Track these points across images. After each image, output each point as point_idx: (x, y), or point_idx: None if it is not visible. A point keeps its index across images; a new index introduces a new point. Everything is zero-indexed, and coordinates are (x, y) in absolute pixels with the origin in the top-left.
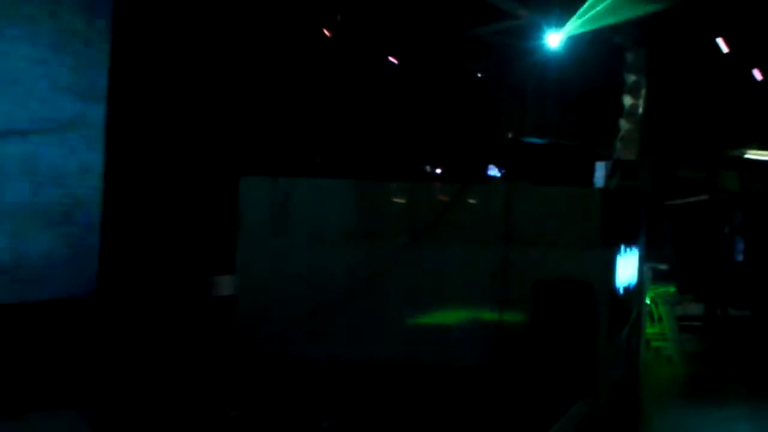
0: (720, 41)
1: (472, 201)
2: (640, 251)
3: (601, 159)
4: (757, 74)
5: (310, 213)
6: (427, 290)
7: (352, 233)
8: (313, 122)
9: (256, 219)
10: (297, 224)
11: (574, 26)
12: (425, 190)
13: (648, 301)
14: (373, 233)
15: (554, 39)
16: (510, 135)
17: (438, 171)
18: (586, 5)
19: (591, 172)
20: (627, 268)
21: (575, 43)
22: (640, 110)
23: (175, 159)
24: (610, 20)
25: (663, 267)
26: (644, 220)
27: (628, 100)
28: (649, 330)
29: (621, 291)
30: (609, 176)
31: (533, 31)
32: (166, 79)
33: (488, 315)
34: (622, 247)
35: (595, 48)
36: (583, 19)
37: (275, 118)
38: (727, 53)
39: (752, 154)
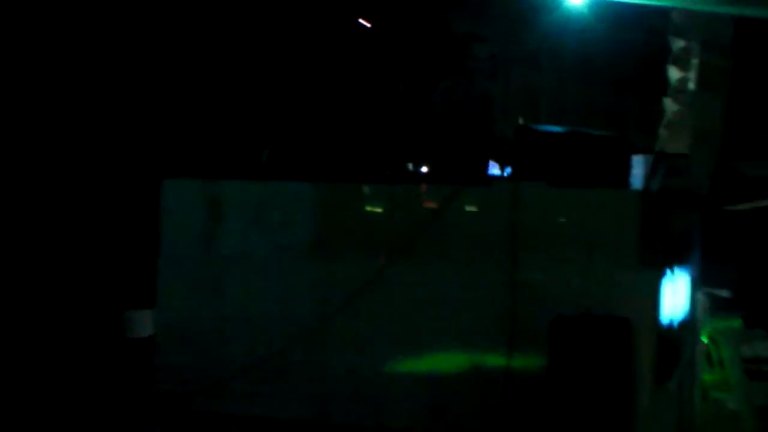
0: None
1: (468, 209)
2: (692, 273)
3: (639, 152)
4: None
5: (252, 227)
6: (408, 327)
7: (309, 253)
8: (260, 107)
9: (181, 235)
10: (234, 241)
11: None
12: (406, 195)
13: (705, 340)
14: (337, 252)
15: None
16: (519, 121)
17: (423, 169)
18: None
19: (626, 169)
20: (675, 295)
21: None
22: (691, 86)
23: (65, 158)
24: None
25: (724, 293)
26: (698, 232)
27: (674, 73)
28: (707, 377)
29: (667, 326)
30: (650, 174)
31: None
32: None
33: (491, 360)
34: (669, 269)
35: (630, 5)
36: None
37: (210, 103)
38: None
39: None
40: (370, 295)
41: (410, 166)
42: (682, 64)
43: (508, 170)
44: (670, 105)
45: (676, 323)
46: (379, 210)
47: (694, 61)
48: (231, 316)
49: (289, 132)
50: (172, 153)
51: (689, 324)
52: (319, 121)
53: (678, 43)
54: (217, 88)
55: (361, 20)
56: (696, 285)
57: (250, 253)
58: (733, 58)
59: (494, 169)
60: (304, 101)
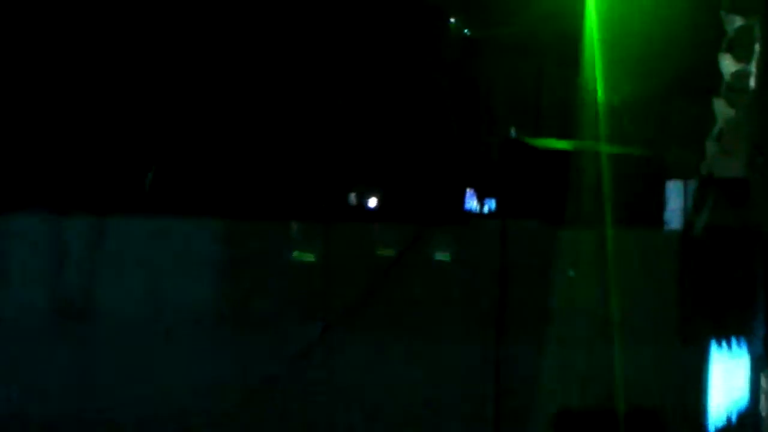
0: None
1: (437, 257)
2: (755, 345)
3: (678, 175)
4: None
5: (135, 281)
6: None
7: (209, 317)
8: (139, 112)
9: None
10: (105, 300)
11: None
12: (351, 238)
13: None
14: (252, 317)
15: None
16: (510, 132)
17: (372, 203)
18: None
19: (658, 200)
20: (731, 378)
21: None
22: (752, 82)
23: None
24: None
25: None
26: (764, 286)
27: (729, 65)
28: None
29: (719, 422)
30: (695, 206)
31: None
32: None
33: None
34: (721, 341)
35: None
36: None
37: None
38: None
39: None
40: (295, 379)
41: (352, 197)
42: (740, 52)
43: (490, 202)
44: (722, 109)
45: (732, 417)
46: (310, 258)
47: (758, 48)
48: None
49: (182, 143)
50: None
51: (751, 417)
52: (224, 130)
53: (735, 22)
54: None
55: None
56: (761, 362)
57: (128, 314)
58: None
59: (471, 200)
60: (203, 99)
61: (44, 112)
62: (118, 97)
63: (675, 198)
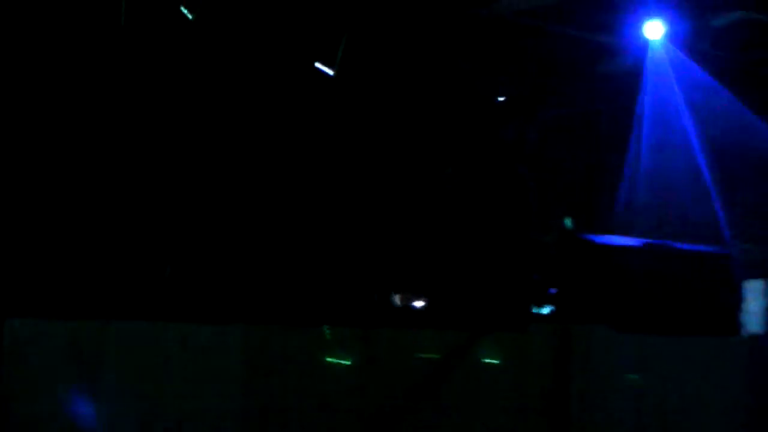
0: None
1: (489, 366)
2: None
3: (757, 274)
4: None
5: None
6: None
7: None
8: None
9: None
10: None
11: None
12: (391, 345)
13: None
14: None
15: (654, 29)
16: (566, 224)
17: (417, 304)
18: None
19: (735, 302)
20: None
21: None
22: None
23: None
24: None
25: None
26: None
27: None
28: None
29: None
30: None
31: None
32: None
33: None
34: None
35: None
36: None
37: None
38: None
39: None
40: None
41: (396, 299)
42: None
43: (549, 303)
44: None
45: None
46: (346, 363)
47: None
48: None
49: (203, 238)
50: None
51: None
52: (255, 227)
53: None
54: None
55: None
56: None
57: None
58: None
59: (529, 302)
60: (227, 192)
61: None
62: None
63: (755, 299)
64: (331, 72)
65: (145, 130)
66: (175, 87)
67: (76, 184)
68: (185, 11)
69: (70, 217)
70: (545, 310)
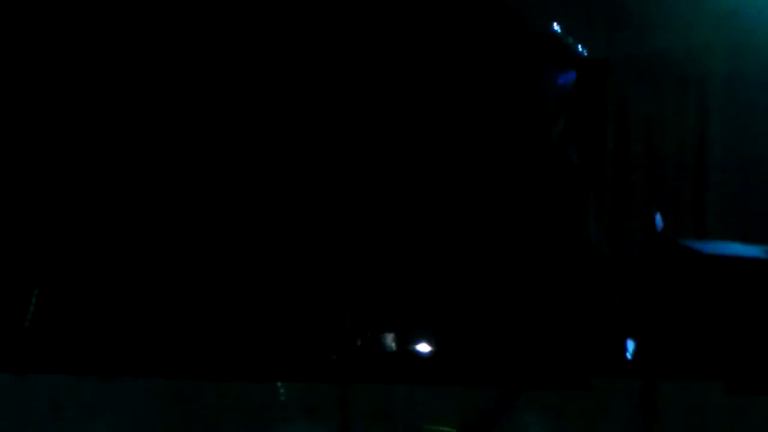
0: None
1: None
2: None
3: None
4: None
5: None
6: None
7: None
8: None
9: None
10: None
11: None
12: (383, 412)
13: None
14: None
15: None
16: (656, 223)
17: (421, 347)
18: None
19: None
20: None
21: None
22: None
23: None
24: None
25: None
26: None
27: None
28: None
29: None
30: None
31: None
32: None
33: None
34: None
35: None
36: None
37: None
38: None
39: None
40: None
41: (389, 340)
42: None
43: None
44: None
45: None
46: None
47: None
48: None
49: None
50: None
51: None
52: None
53: None
54: None
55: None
56: None
57: None
58: None
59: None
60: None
61: None
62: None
63: None
64: None
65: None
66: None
67: None
68: None
69: None
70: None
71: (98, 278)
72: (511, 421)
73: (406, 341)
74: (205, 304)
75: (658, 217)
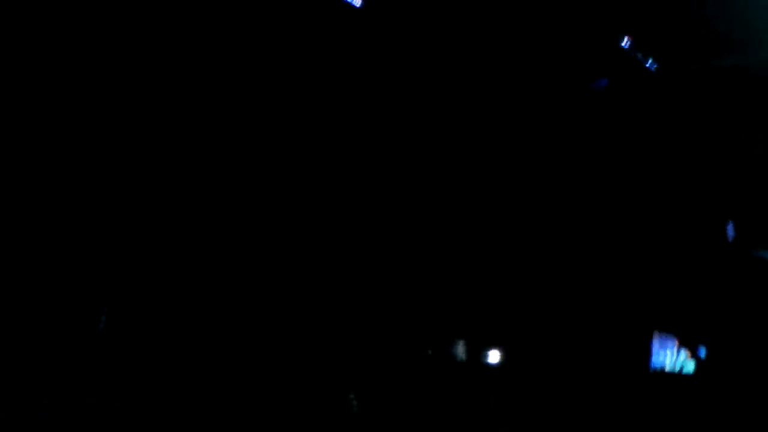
0: None
1: None
2: None
3: None
4: None
5: None
6: None
7: None
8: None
9: None
10: None
11: None
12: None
13: None
14: None
15: None
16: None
17: (492, 358)
18: None
19: None
20: None
21: None
22: None
23: None
24: None
25: None
26: None
27: None
28: None
29: None
30: None
31: None
32: None
33: None
34: None
35: None
36: None
37: None
38: None
39: None
40: None
41: (460, 349)
42: None
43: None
44: None
45: None
46: None
47: None
48: None
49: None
50: None
51: None
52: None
53: None
54: None
55: None
56: None
57: None
58: None
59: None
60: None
61: None
62: None
63: None
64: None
65: None
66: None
67: None
68: None
69: None
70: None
71: None
72: None
73: (478, 348)
74: None
75: (731, 227)
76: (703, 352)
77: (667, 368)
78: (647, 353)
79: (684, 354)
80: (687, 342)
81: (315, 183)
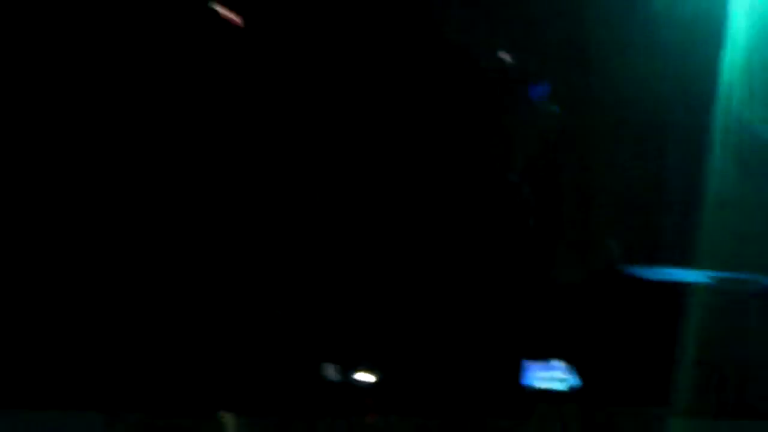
0: None
1: None
2: None
3: None
4: None
5: None
6: None
7: None
8: None
9: None
10: None
11: None
12: None
13: None
14: None
15: None
16: (611, 253)
17: (361, 377)
18: None
19: None
20: None
21: None
22: None
23: None
24: None
25: None
26: None
27: None
28: None
29: None
30: None
31: None
32: None
33: None
34: None
35: None
36: None
37: None
38: None
39: None
40: None
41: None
42: None
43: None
44: None
45: None
46: None
47: None
48: None
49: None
50: None
51: None
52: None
53: None
54: None
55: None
56: None
57: None
58: None
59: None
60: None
61: None
62: None
63: None
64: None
65: None
66: None
67: None
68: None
69: None
70: (560, 383)
71: None
72: None
73: (345, 370)
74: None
75: (612, 244)
76: (575, 376)
77: (541, 387)
78: (519, 374)
79: (559, 373)
80: (564, 363)
81: None
